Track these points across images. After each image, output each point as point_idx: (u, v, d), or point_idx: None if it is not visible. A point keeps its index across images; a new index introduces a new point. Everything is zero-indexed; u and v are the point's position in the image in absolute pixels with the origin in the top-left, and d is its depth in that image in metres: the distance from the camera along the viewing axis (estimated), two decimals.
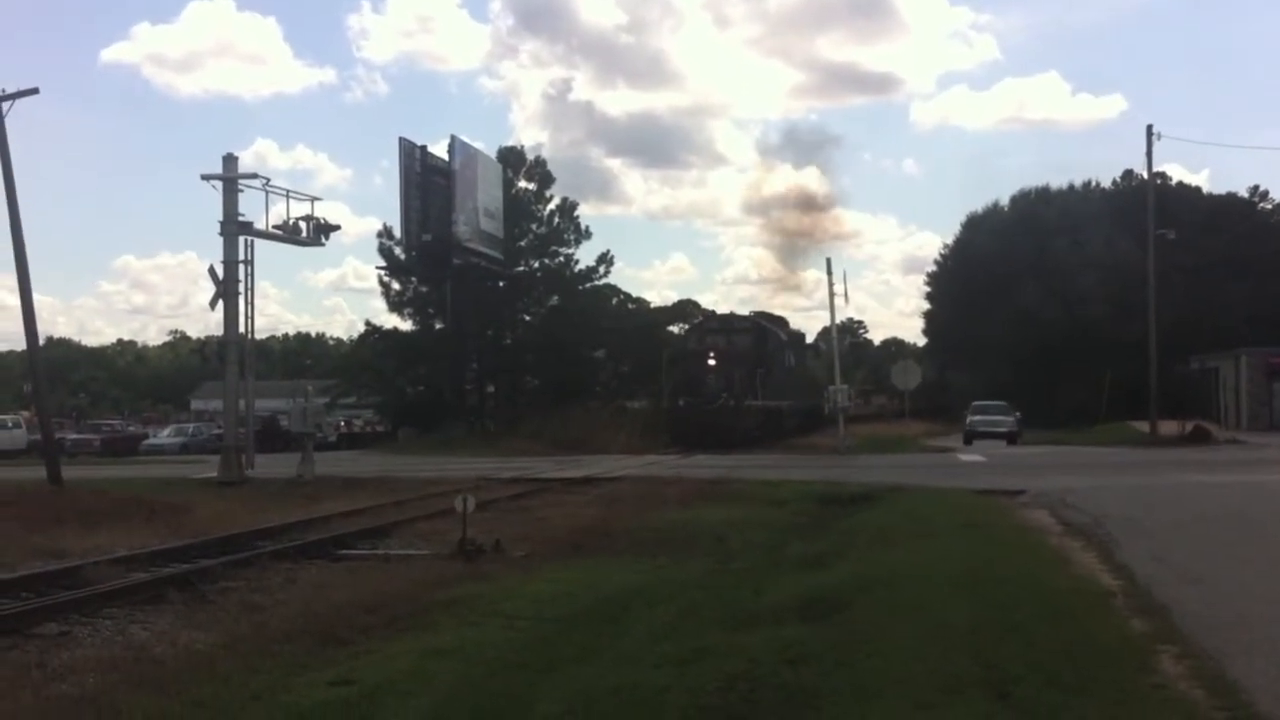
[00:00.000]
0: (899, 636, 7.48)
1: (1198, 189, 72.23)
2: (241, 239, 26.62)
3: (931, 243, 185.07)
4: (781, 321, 52.81)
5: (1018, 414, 46.23)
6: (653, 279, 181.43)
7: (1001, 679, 6.43)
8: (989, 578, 9.58)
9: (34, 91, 25.18)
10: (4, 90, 24.68)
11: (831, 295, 38.11)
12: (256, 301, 27.50)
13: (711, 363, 40.41)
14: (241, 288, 26.63)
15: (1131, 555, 11.14)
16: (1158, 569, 10.27)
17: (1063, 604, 8.59)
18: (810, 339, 61.20)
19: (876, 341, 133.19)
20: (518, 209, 52.95)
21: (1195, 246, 54.00)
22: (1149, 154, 40.31)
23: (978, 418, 45.85)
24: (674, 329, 62.36)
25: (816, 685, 6.50)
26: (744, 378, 39.64)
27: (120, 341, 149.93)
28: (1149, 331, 39.61)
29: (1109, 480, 20.90)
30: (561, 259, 55.61)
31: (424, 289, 52.25)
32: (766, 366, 42.07)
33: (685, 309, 74.37)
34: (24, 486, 22.42)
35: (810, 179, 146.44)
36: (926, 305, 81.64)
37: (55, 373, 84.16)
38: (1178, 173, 74.18)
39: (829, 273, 39.10)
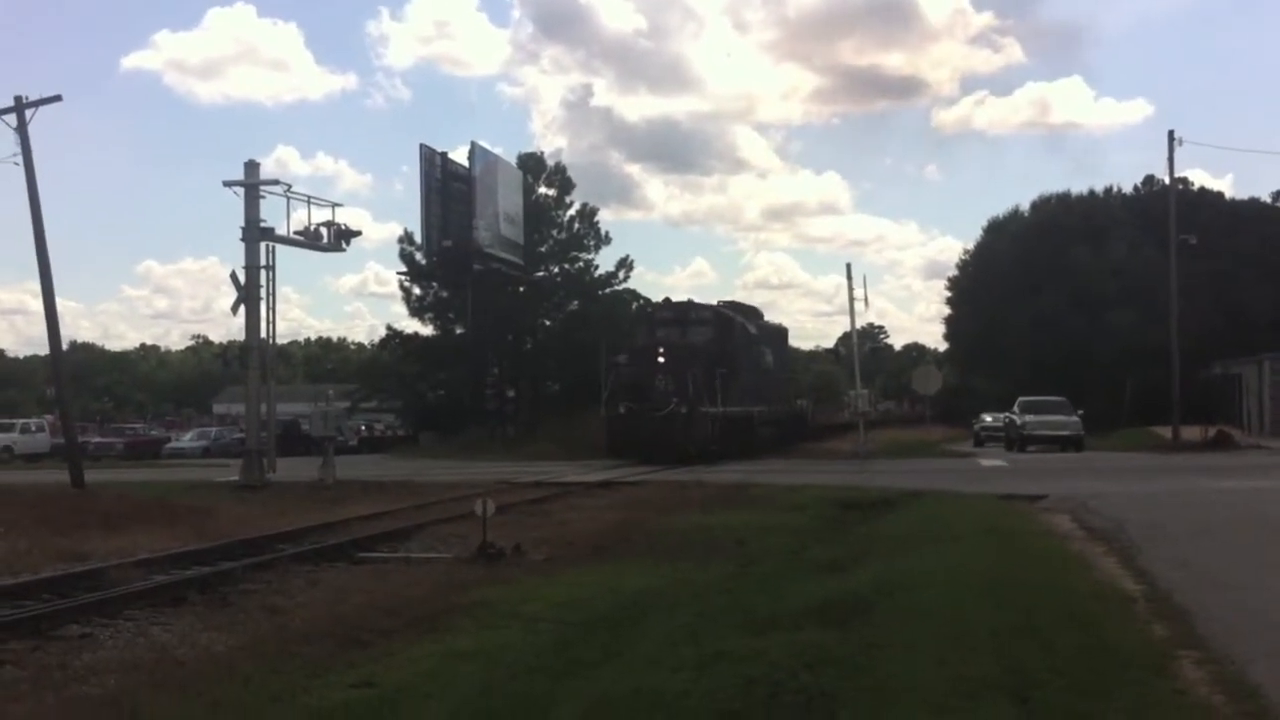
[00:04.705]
0: (919, 640, 7.46)
1: (1220, 194, 71.86)
2: (263, 244, 26.80)
3: (952, 248, 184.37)
4: (753, 312, 44.26)
5: (1080, 412, 37.83)
6: (673, 284, 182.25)
7: (1021, 683, 6.42)
8: (1010, 582, 9.54)
9: (57, 99, 25.45)
10: (27, 98, 24.98)
11: (851, 300, 37.93)
12: (278, 306, 27.78)
13: (661, 360, 33.39)
14: (263, 293, 26.82)
15: (1153, 560, 11.09)
16: (1179, 574, 10.22)
17: (1084, 609, 8.56)
18: (830, 344, 59.93)
19: (898, 346, 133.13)
20: (538, 214, 53.16)
21: (1218, 251, 53.75)
22: (1170, 159, 40.15)
23: (1030, 418, 37.51)
24: None
25: (836, 689, 6.49)
26: (701, 378, 33.08)
27: (143, 346, 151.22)
28: (1171, 337, 39.40)
29: (1131, 485, 20.79)
30: (581, 264, 55.80)
31: (445, 294, 52.48)
32: (730, 365, 35.07)
33: None
34: (47, 490, 22.62)
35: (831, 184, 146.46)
36: (947, 310, 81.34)
37: (79, 377, 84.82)
38: (1200, 177, 74.37)
39: (849, 277, 38.64)
